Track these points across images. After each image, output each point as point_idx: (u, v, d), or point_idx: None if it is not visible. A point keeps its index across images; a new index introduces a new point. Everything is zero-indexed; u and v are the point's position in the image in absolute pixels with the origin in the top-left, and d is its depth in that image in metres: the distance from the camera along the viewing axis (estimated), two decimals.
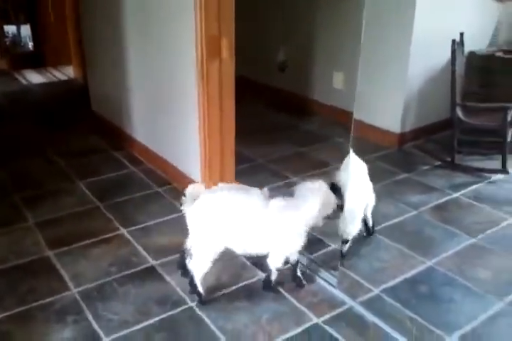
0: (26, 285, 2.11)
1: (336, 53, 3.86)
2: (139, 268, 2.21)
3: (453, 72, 3.02)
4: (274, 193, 1.98)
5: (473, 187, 2.92)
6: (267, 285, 2.04)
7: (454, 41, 2.96)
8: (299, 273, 2.08)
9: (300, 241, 1.93)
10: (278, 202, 1.91)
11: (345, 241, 2.20)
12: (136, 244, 2.39)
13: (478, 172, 3.07)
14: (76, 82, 5.01)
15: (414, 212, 2.66)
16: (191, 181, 2.81)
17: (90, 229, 2.51)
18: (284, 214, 1.89)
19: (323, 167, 3.15)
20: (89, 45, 3.79)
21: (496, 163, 3.09)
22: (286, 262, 2.03)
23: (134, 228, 2.52)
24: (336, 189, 1.96)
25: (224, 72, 2.48)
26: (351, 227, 2.16)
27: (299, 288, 2.07)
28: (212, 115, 2.55)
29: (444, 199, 2.79)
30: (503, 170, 3.01)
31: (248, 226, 1.90)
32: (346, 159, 2.17)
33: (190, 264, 1.97)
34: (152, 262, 2.26)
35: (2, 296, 2.04)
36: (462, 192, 2.87)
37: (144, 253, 2.33)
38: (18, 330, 1.87)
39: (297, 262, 2.06)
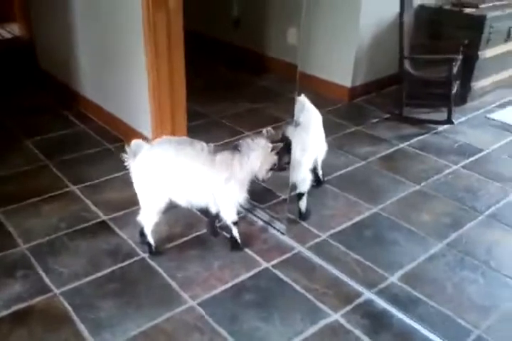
0: None
1: (291, 8, 3.81)
2: (89, 223, 2.21)
3: (401, 24, 3.05)
4: (219, 148, 1.98)
5: (420, 137, 3.01)
6: (234, 243, 2.05)
7: None
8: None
9: (244, 192, 1.96)
10: (223, 155, 1.92)
11: (300, 195, 2.21)
12: (86, 200, 2.38)
13: (425, 124, 3.16)
14: (21, 40, 4.77)
15: (363, 163, 2.73)
16: (142, 137, 2.77)
17: (39, 187, 2.47)
18: (228, 167, 1.91)
19: (277, 122, 3.15)
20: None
21: (442, 115, 3.18)
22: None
23: (83, 185, 2.50)
24: (287, 143, 1.98)
25: (172, 23, 2.41)
26: (302, 179, 2.17)
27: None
28: (161, 68, 2.49)
29: (391, 150, 2.87)
30: (449, 120, 3.10)
31: (191, 178, 1.91)
32: (297, 107, 2.16)
33: (140, 216, 1.99)
34: (103, 217, 2.26)
35: None
36: (409, 142, 2.95)
37: (95, 208, 2.32)
38: None
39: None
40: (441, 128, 3.11)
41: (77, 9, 3.01)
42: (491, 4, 3.36)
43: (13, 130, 3.05)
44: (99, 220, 2.24)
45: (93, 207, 2.32)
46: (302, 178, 2.15)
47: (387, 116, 3.30)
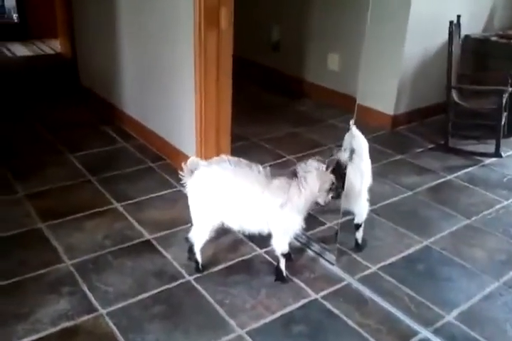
0: (18, 256, 2.05)
1: (332, 34, 3.82)
2: (134, 242, 2.18)
3: (450, 54, 3.01)
4: (275, 172, 1.93)
5: (467, 170, 2.94)
6: (279, 275, 1.97)
7: (451, 23, 2.96)
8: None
9: (300, 222, 1.88)
10: (281, 180, 1.86)
11: (357, 226, 2.14)
12: (130, 218, 2.35)
13: (472, 156, 3.09)
14: (62, 56, 4.87)
15: (409, 193, 2.67)
16: (185, 157, 2.75)
17: (83, 202, 2.45)
18: (285, 192, 1.85)
19: (317, 147, 3.13)
20: (79, 17, 3.67)
21: (488, 147, 3.10)
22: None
23: (127, 202, 2.47)
24: (340, 166, 1.92)
25: (222, 44, 2.41)
26: (362, 208, 2.10)
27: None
28: (209, 88, 2.48)
29: (438, 181, 2.80)
30: (497, 153, 3.03)
31: (247, 202, 1.86)
32: (348, 135, 2.12)
33: (191, 233, 1.95)
34: (148, 236, 2.22)
35: None
36: (456, 174, 2.88)
37: (139, 227, 2.28)
38: (9, 302, 1.82)
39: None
40: (488, 160, 3.04)
41: (123, 27, 3.05)
42: None
43: (55, 144, 3.07)
44: (143, 239, 2.20)
45: (137, 226, 2.29)
46: (362, 207, 2.08)
47: (432, 146, 3.24)
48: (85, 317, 1.75)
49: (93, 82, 3.65)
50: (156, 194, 2.56)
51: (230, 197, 1.86)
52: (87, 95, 3.72)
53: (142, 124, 3.15)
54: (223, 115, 2.59)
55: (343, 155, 2.04)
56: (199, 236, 1.94)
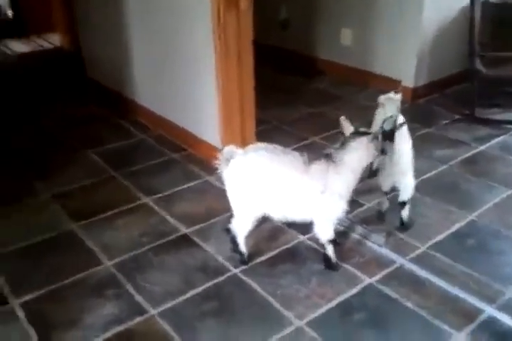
0: (54, 261, 1.98)
1: (343, 8, 3.69)
2: (172, 237, 2.10)
3: (472, 19, 2.90)
4: (311, 156, 1.83)
5: (498, 139, 2.85)
6: (328, 263, 1.90)
7: None
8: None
9: (344, 206, 1.80)
10: (318, 165, 1.77)
11: (402, 203, 2.05)
12: (162, 213, 2.27)
13: (500, 124, 3.00)
14: (64, 50, 4.73)
15: (445, 166, 2.58)
16: (209, 146, 2.68)
17: (110, 199, 2.37)
18: (324, 177, 1.76)
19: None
20: (81, 8, 3.53)
21: None
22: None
23: (156, 196, 2.39)
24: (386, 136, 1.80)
25: (242, 26, 2.31)
26: (408, 185, 2.01)
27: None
28: (231, 72, 2.38)
29: (471, 153, 2.71)
30: None
31: (287, 189, 1.78)
32: (381, 108, 1.99)
33: (233, 224, 1.88)
34: (184, 230, 2.14)
35: (28, 275, 1.91)
36: (488, 144, 2.79)
37: (173, 221, 2.21)
38: (53, 309, 1.75)
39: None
40: None
41: (133, 15, 2.92)
42: None
43: (71, 141, 2.97)
44: (180, 234, 2.12)
45: (171, 220, 2.21)
46: (408, 184, 2.00)
47: (458, 117, 3.14)
48: (137, 320, 1.69)
49: (102, 75, 3.53)
50: (184, 186, 2.48)
51: (270, 185, 1.77)
52: (95, 88, 3.61)
53: (158, 115, 3.04)
54: (247, 99, 2.49)
55: (386, 126, 1.92)
56: (242, 226, 1.86)
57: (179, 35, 2.62)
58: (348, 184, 1.78)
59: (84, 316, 1.71)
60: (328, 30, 3.83)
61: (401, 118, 1.95)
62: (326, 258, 1.90)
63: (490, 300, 1.72)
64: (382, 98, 1.98)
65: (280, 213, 1.82)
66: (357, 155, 1.75)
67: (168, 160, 2.74)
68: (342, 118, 1.77)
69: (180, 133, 2.88)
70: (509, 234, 2.07)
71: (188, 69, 2.65)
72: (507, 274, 1.85)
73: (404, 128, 2.00)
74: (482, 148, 2.76)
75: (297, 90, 3.69)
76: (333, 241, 1.89)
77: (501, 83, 3.06)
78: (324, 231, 1.85)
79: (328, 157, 1.77)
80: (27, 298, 1.80)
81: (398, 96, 1.94)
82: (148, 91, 3.10)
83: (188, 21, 2.52)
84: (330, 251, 1.88)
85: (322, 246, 1.90)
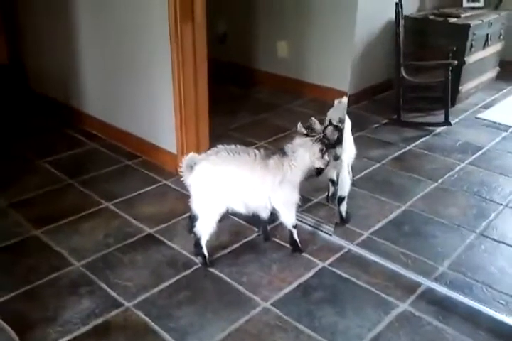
0: (24, 265, 2.04)
1: (279, 22, 3.96)
2: (137, 237, 2.22)
3: (397, 33, 3.25)
4: (268, 152, 2.05)
5: (423, 139, 3.20)
6: (295, 246, 2.12)
7: (397, 4, 3.18)
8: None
9: (297, 194, 2.04)
10: (275, 159, 2.00)
11: (340, 199, 2.29)
12: (125, 216, 2.38)
13: (424, 126, 3.37)
14: (2, 64, 4.64)
15: (378, 164, 2.88)
16: (163, 151, 2.81)
17: (72, 205, 2.45)
18: (281, 170, 1.99)
19: (283, 131, 3.27)
20: (24, 17, 3.54)
21: (437, 117, 3.40)
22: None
23: (116, 200, 2.50)
24: (336, 126, 2.06)
25: (197, 36, 2.47)
26: (344, 181, 2.26)
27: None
28: (187, 79, 2.53)
29: (400, 152, 3.04)
30: (446, 122, 3.32)
31: (249, 184, 1.98)
32: (333, 109, 2.27)
33: (197, 227, 2.02)
34: (148, 230, 2.27)
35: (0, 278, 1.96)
36: (414, 144, 3.14)
37: (137, 222, 2.33)
38: (30, 308, 1.82)
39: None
40: (439, 129, 3.32)
41: (83, 25, 2.99)
42: (469, 14, 3.65)
43: (22, 152, 2.99)
44: (145, 234, 2.25)
45: (135, 222, 2.33)
46: (344, 181, 2.24)
47: (386, 121, 3.48)
48: (114, 313, 1.79)
49: (47, 86, 3.56)
50: (143, 190, 2.60)
51: (233, 183, 1.96)
52: (41, 100, 3.62)
53: (108, 124, 3.13)
54: (201, 105, 2.65)
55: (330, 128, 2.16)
56: (207, 227, 2.00)
57: (134, 44, 2.72)
58: (301, 174, 2.02)
59: (62, 312, 1.80)
60: (266, 43, 4.09)
61: (347, 120, 2.21)
62: (292, 242, 2.12)
63: (426, 274, 1.99)
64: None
65: (243, 206, 2.02)
66: (304, 150, 1.99)
67: (123, 167, 2.84)
68: (312, 118, 2.01)
69: (133, 140, 2.99)
70: (439, 220, 2.37)
71: (142, 79, 2.77)
72: (439, 253, 2.14)
73: (348, 128, 2.27)
74: (409, 147, 3.09)
75: (239, 100, 3.90)
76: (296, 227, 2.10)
77: (423, 89, 3.43)
78: (288, 218, 2.08)
79: (282, 152, 2.00)
80: (1, 299, 1.85)
81: (344, 101, 2.20)
82: (98, 101, 3.18)
83: (143, 31, 2.63)
84: (295, 235, 2.11)
85: (289, 232, 2.11)
